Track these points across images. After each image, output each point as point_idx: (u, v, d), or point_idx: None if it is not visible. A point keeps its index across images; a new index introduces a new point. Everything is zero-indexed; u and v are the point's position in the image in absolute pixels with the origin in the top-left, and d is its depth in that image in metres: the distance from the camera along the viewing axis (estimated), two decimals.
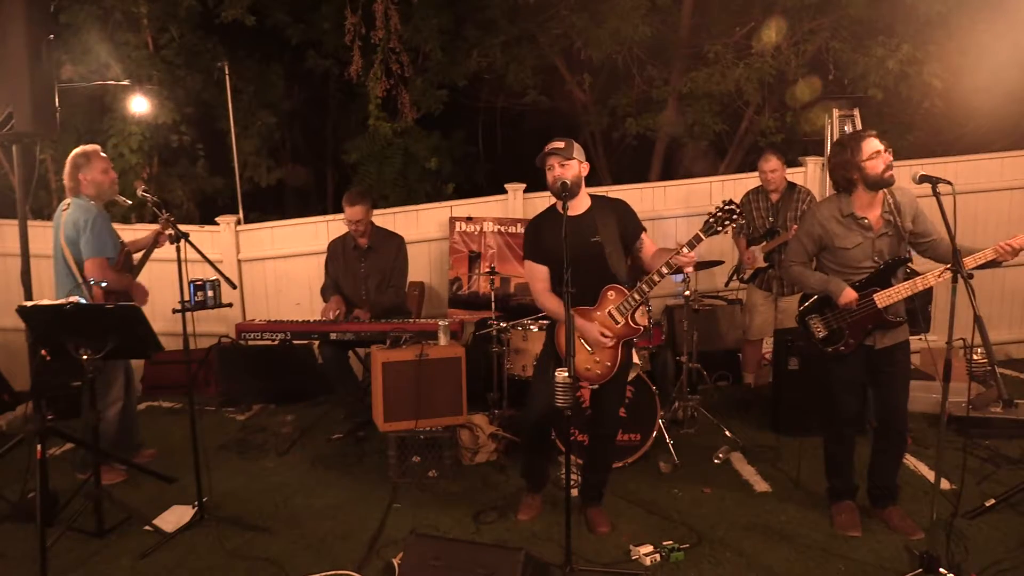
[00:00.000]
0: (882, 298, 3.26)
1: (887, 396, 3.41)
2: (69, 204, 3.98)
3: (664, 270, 3.10)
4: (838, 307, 3.34)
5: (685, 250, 3.04)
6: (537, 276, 3.37)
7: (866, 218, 3.30)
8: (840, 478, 3.56)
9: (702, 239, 3.03)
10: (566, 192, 3.12)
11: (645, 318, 4.56)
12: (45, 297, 3.94)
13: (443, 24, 8.44)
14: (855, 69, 7.22)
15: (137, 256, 4.24)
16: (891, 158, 3.26)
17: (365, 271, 4.96)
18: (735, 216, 2.99)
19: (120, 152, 7.18)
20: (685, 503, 3.77)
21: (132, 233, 4.63)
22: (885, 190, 3.29)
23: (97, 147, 4.11)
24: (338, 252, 5.06)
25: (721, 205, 3.02)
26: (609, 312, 3.30)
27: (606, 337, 3.27)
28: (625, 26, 7.60)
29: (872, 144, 3.23)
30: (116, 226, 4.25)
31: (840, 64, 7.44)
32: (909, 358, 3.46)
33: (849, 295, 3.29)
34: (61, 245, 3.95)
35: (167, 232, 3.93)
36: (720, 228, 3.02)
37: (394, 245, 5.02)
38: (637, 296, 3.22)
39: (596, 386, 3.37)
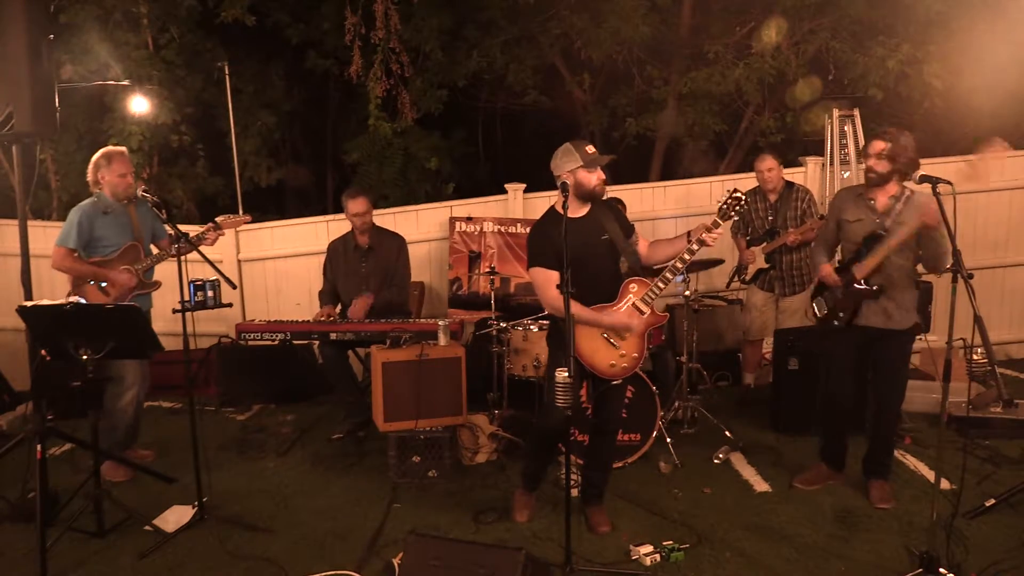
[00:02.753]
0: (858, 269, 3.55)
1: (879, 385, 3.67)
2: None
3: (695, 247, 3.24)
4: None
5: (715, 229, 3.20)
6: (551, 281, 3.29)
7: (873, 199, 3.58)
8: (827, 441, 3.90)
9: (720, 224, 3.21)
10: (567, 192, 3.16)
11: None
12: (45, 297, 3.95)
13: (443, 24, 8.43)
14: (855, 69, 7.22)
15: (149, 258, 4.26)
16: (878, 163, 3.48)
17: (366, 271, 4.96)
18: (741, 203, 3.19)
19: None
20: (685, 503, 3.77)
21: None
22: (905, 185, 3.52)
23: (123, 150, 4.28)
24: (339, 252, 5.06)
25: (728, 193, 3.23)
26: (634, 304, 3.36)
27: (635, 322, 3.34)
28: (625, 26, 7.60)
29: (870, 146, 3.55)
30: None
31: (840, 64, 7.45)
32: (905, 352, 3.62)
33: (824, 269, 3.70)
34: None
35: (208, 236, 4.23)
36: (733, 213, 3.21)
37: (395, 245, 5.03)
38: (661, 284, 3.29)
39: (619, 381, 3.42)
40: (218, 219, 4.35)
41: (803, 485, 3.89)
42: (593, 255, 3.33)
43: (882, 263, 3.49)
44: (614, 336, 3.35)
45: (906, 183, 3.49)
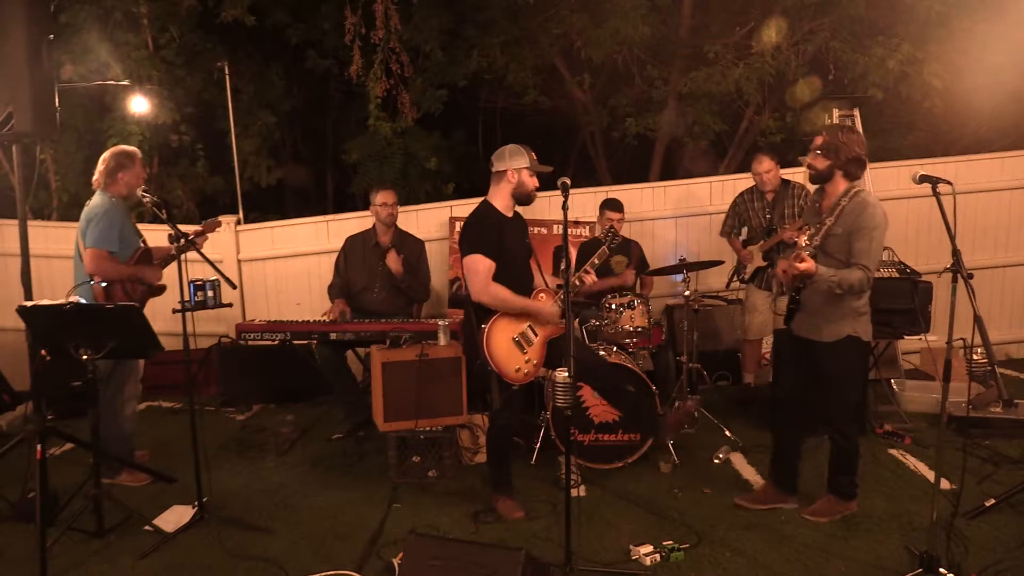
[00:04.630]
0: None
1: (817, 397, 3.47)
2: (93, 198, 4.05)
3: (577, 282, 3.62)
4: None
5: (590, 268, 3.61)
6: (486, 270, 3.41)
7: (819, 203, 3.46)
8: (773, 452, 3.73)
9: (597, 264, 3.68)
10: (568, 192, 3.17)
11: (645, 318, 4.59)
12: (45, 297, 3.95)
13: (443, 24, 8.42)
14: (855, 69, 7.22)
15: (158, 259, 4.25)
16: (815, 159, 3.34)
17: (383, 269, 4.98)
18: (617, 236, 3.88)
19: None
20: (685, 503, 3.77)
21: (150, 234, 4.63)
22: (852, 192, 3.31)
23: (138, 150, 4.21)
24: (357, 248, 5.10)
25: (605, 230, 3.92)
26: None
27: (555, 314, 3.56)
28: (625, 26, 7.58)
29: (812, 143, 3.39)
30: (141, 226, 4.33)
31: (840, 64, 7.44)
32: (838, 364, 3.36)
33: (779, 264, 3.52)
34: (78, 238, 4.00)
35: (198, 236, 4.11)
36: (611, 246, 3.77)
37: (417, 248, 5.14)
38: (561, 298, 3.54)
39: (517, 387, 3.56)
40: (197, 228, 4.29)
41: (748, 504, 3.68)
42: (521, 256, 3.56)
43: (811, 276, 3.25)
44: (524, 341, 3.49)
45: (856, 184, 3.32)
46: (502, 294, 3.42)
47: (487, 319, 3.45)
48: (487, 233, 3.45)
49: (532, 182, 3.50)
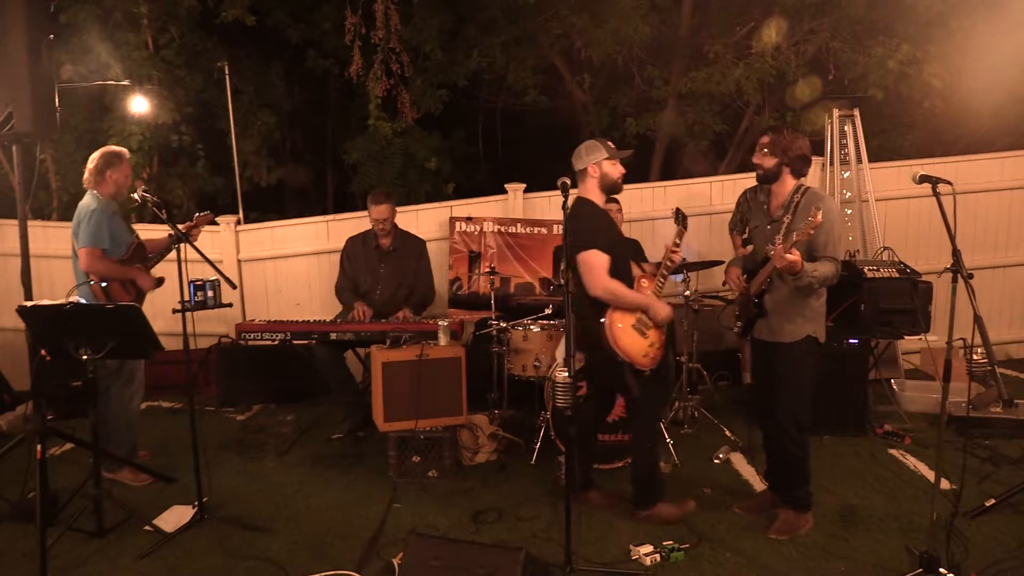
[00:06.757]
0: (751, 285, 3.43)
1: (771, 394, 3.38)
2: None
3: (668, 263, 3.51)
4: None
5: (675, 247, 3.50)
6: (602, 264, 3.36)
7: (766, 203, 3.46)
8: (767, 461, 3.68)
9: (682, 236, 3.57)
10: (567, 193, 3.17)
11: None
12: (45, 297, 3.96)
13: (443, 24, 8.42)
14: (855, 69, 7.22)
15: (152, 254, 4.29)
16: (763, 158, 3.37)
17: (385, 271, 4.98)
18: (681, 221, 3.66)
19: None
20: None
21: (148, 234, 4.66)
22: (802, 188, 3.33)
23: (126, 150, 4.24)
24: (358, 250, 5.09)
25: (673, 211, 3.71)
26: None
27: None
28: (625, 26, 7.59)
29: (757, 143, 3.43)
30: (141, 226, 4.33)
31: (840, 64, 7.44)
32: (794, 365, 3.32)
33: (730, 271, 3.60)
34: (72, 239, 4.03)
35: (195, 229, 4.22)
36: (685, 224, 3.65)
37: (416, 249, 5.13)
38: (661, 280, 3.54)
39: (649, 372, 3.48)
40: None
41: (747, 513, 3.64)
42: (623, 245, 3.55)
43: (771, 277, 3.31)
44: (642, 326, 3.44)
45: (802, 182, 3.34)
46: (618, 290, 3.37)
47: (602, 312, 3.38)
48: (598, 228, 3.41)
49: (616, 170, 3.45)
